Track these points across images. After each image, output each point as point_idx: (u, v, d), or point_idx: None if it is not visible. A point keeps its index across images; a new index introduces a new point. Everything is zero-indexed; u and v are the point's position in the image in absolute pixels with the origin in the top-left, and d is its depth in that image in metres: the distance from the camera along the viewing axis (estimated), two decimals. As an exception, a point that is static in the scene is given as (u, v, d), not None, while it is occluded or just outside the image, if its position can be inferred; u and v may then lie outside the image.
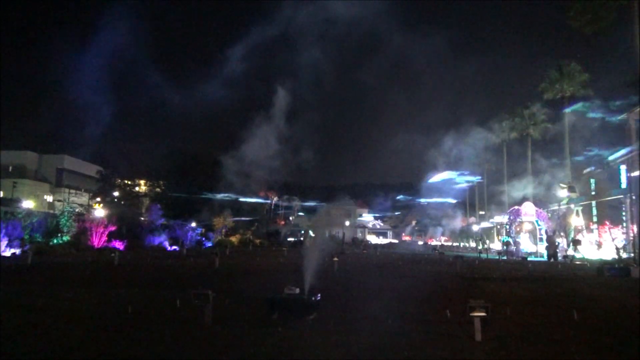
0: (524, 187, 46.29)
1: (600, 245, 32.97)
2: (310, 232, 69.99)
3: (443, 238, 71.22)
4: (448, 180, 67.21)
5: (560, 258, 30.70)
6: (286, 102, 33.54)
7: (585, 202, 38.74)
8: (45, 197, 54.73)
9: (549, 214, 40.67)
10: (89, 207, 41.32)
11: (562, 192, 38.80)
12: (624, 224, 32.03)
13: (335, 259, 20.21)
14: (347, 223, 72.12)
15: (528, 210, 38.96)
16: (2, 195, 44.11)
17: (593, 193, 39.19)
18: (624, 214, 32.30)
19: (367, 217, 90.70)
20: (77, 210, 37.56)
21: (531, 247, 39.84)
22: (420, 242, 70.84)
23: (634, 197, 29.23)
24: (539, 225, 39.16)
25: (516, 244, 38.38)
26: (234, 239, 49.76)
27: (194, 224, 47.34)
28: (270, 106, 33.91)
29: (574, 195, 38.42)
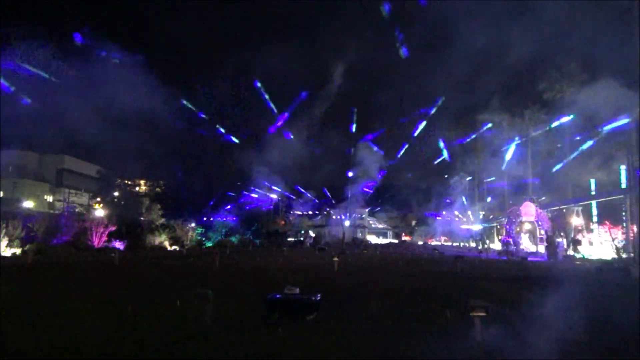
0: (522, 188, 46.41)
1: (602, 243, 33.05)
2: (310, 232, 70.19)
3: (443, 238, 71.16)
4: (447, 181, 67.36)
5: (560, 258, 30.68)
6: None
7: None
8: (45, 197, 54.76)
9: (549, 214, 40.66)
10: (89, 207, 41.32)
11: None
12: (624, 224, 32.02)
13: (336, 259, 20.26)
14: (347, 223, 72.00)
15: (528, 210, 38.91)
16: (2, 195, 44.10)
17: (593, 193, 39.20)
18: (624, 214, 32.29)
19: (367, 217, 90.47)
20: (77, 210, 37.58)
21: (531, 247, 39.80)
22: (420, 242, 70.83)
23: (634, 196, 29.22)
24: (539, 225, 39.13)
25: (516, 244, 38.33)
26: (234, 238, 49.79)
27: (193, 224, 47.40)
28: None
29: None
